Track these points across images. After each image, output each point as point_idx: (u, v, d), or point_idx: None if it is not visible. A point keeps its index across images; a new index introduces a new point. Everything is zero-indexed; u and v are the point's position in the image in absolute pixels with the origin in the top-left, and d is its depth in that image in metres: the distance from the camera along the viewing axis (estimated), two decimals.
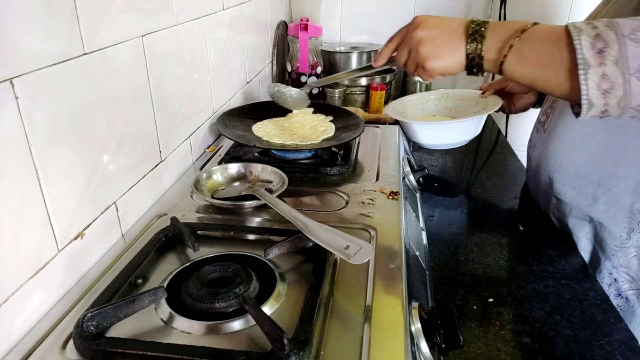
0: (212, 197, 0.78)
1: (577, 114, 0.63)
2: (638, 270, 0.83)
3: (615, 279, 0.85)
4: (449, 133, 1.12)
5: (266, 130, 1.02)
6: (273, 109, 1.12)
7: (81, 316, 0.49)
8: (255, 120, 1.08)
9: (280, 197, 0.75)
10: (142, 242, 0.65)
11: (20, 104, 0.50)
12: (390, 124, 1.25)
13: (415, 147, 1.22)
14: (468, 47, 0.65)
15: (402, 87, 1.74)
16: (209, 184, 0.81)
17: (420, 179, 0.97)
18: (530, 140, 1.05)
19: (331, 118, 1.09)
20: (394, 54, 0.76)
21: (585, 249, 0.89)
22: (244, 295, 0.53)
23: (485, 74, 0.68)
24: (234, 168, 0.85)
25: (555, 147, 0.90)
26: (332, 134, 1.01)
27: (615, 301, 0.85)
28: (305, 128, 1.04)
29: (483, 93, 1.19)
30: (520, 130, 1.67)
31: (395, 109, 1.19)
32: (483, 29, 0.64)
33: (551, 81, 0.61)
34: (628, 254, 0.83)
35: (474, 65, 0.66)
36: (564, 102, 0.85)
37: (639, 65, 0.53)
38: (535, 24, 0.63)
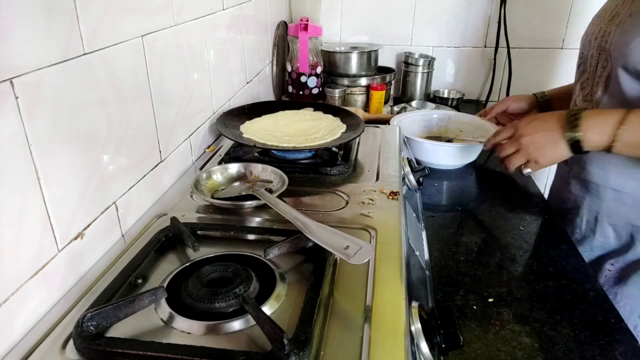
0: (212, 197, 0.78)
1: None
2: None
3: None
4: (445, 155, 1.17)
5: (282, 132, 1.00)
6: (273, 109, 1.12)
7: (81, 316, 0.49)
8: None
9: (280, 197, 0.75)
10: (142, 242, 0.65)
11: (20, 104, 0.50)
12: (389, 123, 1.25)
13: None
14: (569, 142, 0.81)
15: (402, 87, 1.75)
16: (209, 184, 0.81)
17: (420, 179, 0.97)
18: None
19: (339, 118, 1.08)
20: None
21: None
22: (244, 295, 0.53)
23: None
24: (234, 168, 0.85)
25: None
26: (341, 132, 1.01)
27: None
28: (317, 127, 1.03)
29: (485, 116, 1.25)
30: None
31: (400, 121, 1.26)
32: (579, 132, 0.80)
33: None
34: None
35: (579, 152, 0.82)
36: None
37: None
38: (628, 112, 0.77)
